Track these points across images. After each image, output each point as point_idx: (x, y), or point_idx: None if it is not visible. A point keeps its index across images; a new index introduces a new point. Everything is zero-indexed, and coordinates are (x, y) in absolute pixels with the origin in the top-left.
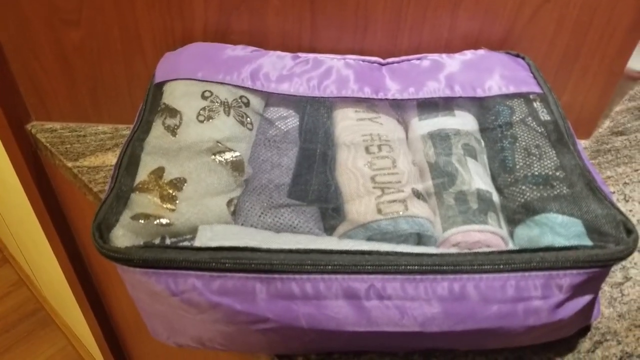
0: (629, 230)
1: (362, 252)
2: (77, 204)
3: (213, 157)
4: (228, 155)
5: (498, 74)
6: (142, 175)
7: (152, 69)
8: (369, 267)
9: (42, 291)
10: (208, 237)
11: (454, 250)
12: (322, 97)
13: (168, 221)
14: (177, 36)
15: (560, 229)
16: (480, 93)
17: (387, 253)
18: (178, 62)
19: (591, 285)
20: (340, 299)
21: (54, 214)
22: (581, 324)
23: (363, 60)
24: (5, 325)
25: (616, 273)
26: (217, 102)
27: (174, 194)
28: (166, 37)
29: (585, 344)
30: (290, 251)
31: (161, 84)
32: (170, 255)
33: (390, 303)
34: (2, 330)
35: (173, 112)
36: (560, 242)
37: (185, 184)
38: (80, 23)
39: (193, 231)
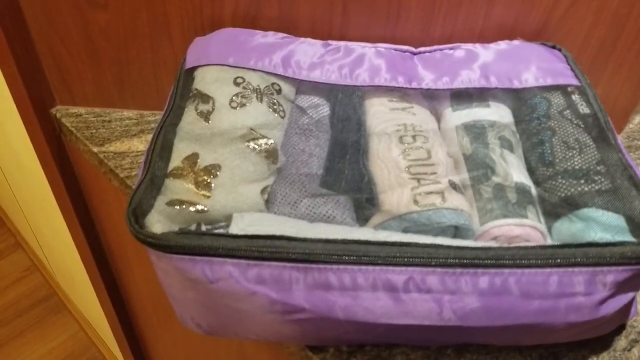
0: None
1: (401, 244)
2: (101, 189)
3: (247, 144)
4: (262, 142)
5: (535, 66)
6: (176, 161)
7: (179, 54)
8: (408, 259)
9: (55, 277)
10: (244, 224)
11: (492, 244)
12: (354, 86)
13: (203, 207)
14: (205, 21)
15: (601, 225)
16: (516, 84)
17: (426, 245)
18: (209, 48)
19: (634, 283)
20: (378, 291)
21: (75, 199)
22: (619, 322)
23: (395, 49)
24: (17, 311)
25: None
26: (250, 89)
27: (208, 180)
28: (194, 22)
29: (621, 342)
30: (328, 241)
31: (192, 70)
32: (207, 241)
33: (429, 296)
34: (15, 315)
35: (205, 98)
36: (602, 237)
37: (220, 171)
38: (108, 5)
39: (227, 219)
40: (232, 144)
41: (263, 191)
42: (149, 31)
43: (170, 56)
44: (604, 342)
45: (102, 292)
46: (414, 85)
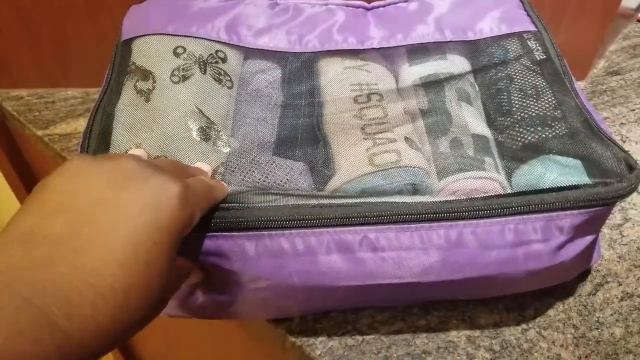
0: (631, 167)
1: (353, 204)
2: None
3: (192, 131)
4: (208, 128)
5: (490, 14)
6: (117, 148)
7: (120, 25)
8: (361, 218)
9: None
10: None
11: (449, 198)
12: (304, 52)
13: None
14: None
15: (559, 170)
16: (471, 36)
17: (378, 203)
18: (146, 16)
19: (593, 226)
20: (332, 253)
21: (29, 186)
22: (582, 267)
23: (347, 5)
24: None
25: (615, 215)
26: (192, 60)
27: None
28: None
29: (587, 287)
30: (278, 207)
31: (129, 41)
32: None
33: (385, 254)
34: None
35: (145, 74)
36: (559, 182)
37: None
38: None
39: None
40: (177, 132)
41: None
42: (85, 3)
43: (111, 29)
44: (570, 288)
45: None
46: (367, 45)
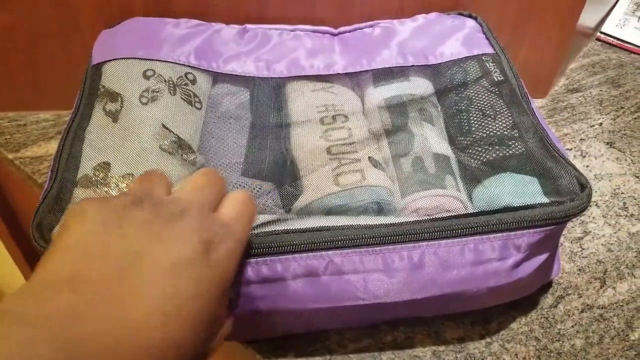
0: (583, 185)
1: (320, 228)
2: (25, 197)
3: (160, 148)
4: (176, 143)
5: (450, 39)
6: (86, 169)
7: (91, 49)
8: (326, 243)
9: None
10: None
11: (414, 216)
12: (272, 78)
13: None
14: (115, 12)
15: (516, 188)
16: (432, 60)
17: (345, 227)
18: (116, 40)
19: (548, 243)
20: (298, 279)
21: (3, 210)
22: (542, 281)
23: (314, 31)
24: None
25: (575, 228)
26: (161, 81)
27: (122, 189)
28: (104, 14)
29: (548, 299)
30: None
31: (99, 65)
32: None
33: (350, 277)
34: None
35: (113, 96)
36: (517, 201)
37: (134, 180)
38: (9, 7)
39: None
40: (144, 150)
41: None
42: (57, 28)
43: (82, 52)
44: (532, 301)
45: None
46: (333, 71)
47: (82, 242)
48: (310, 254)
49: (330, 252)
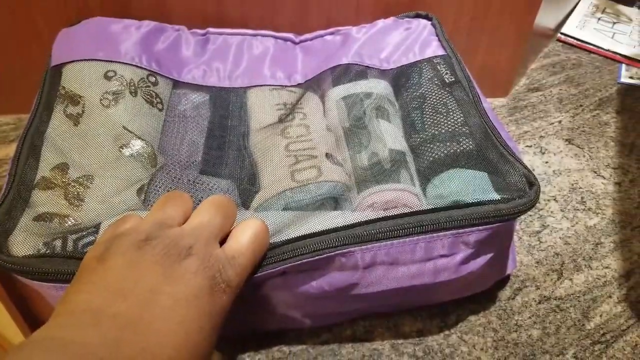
0: (531, 183)
1: (276, 245)
2: None
3: (121, 150)
4: (137, 146)
5: (404, 44)
6: (44, 170)
7: (50, 51)
8: (278, 257)
9: None
10: None
11: (369, 210)
12: (233, 88)
13: (74, 222)
14: (71, 12)
15: (467, 184)
16: (385, 66)
17: (298, 238)
18: (76, 41)
19: (498, 238)
20: (257, 291)
21: None
22: (496, 277)
23: (276, 37)
24: None
25: (534, 222)
26: (123, 83)
27: (81, 192)
28: (60, 15)
29: (506, 292)
30: None
31: (59, 66)
32: (73, 267)
33: (306, 275)
34: None
35: (74, 99)
36: (467, 197)
37: (92, 182)
38: None
39: (97, 225)
40: (104, 152)
41: (139, 191)
42: (14, 31)
43: (41, 54)
44: (490, 294)
45: (15, 314)
46: (293, 81)
47: (106, 279)
48: (266, 267)
49: (284, 263)
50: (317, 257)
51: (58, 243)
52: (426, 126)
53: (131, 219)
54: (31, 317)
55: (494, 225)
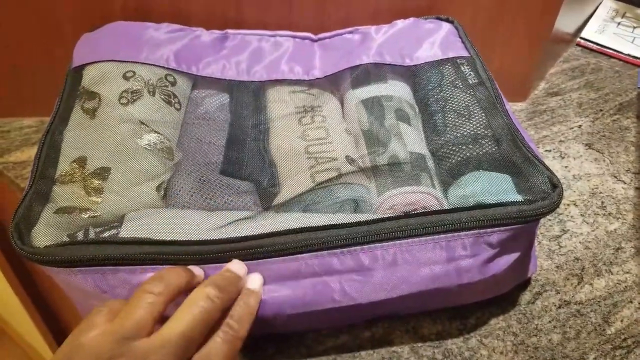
0: (554, 185)
1: (293, 231)
2: (8, 203)
3: (138, 142)
4: (154, 139)
5: (426, 42)
6: (64, 165)
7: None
8: (299, 247)
9: None
10: (136, 226)
11: (389, 214)
12: (251, 82)
13: (94, 214)
14: (96, 17)
15: (490, 186)
16: (408, 62)
17: (318, 228)
18: (97, 43)
19: (521, 240)
20: (272, 283)
21: None
22: (517, 280)
23: (294, 36)
24: None
25: (553, 227)
26: (141, 82)
27: (99, 184)
28: (85, 19)
29: (526, 296)
30: (220, 241)
31: (80, 68)
32: (94, 252)
33: (326, 279)
34: None
35: (92, 95)
36: (491, 198)
37: (110, 174)
38: None
39: (120, 218)
40: (122, 144)
41: (159, 188)
42: (40, 36)
43: (65, 59)
44: (510, 297)
45: (33, 311)
46: (312, 76)
47: None
48: (286, 257)
49: (305, 255)
50: (336, 250)
51: (80, 234)
52: (448, 129)
53: (98, 321)
54: (45, 309)
55: (517, 226)
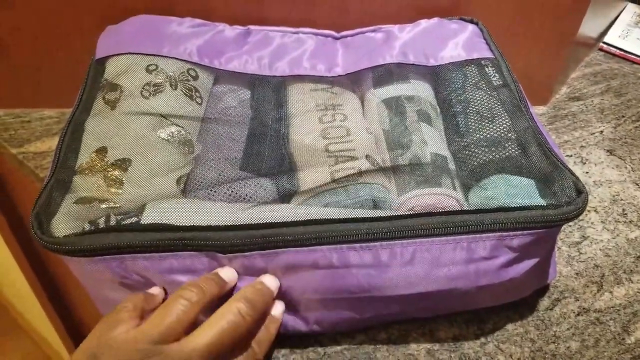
0: (579, 191)
1: (313, 222)
2: (27, 193)
3: (159, 134)
4: (174, 132)
5: (451, 42)
6: (84, 156)
7: (94, 48)
8: (319, 239)
9: (5, 294)
10: (158, 213)
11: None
12: (273, 77)
13: (114, 205)
14: (118, 10)
15: (513, 189)
16: (432, 62)
17: (338, 220)
18: (121, 36)
19: (542, 245)
20: (289, 274)
21: (3, 206)
22: (537, 285)
23: (317, 34)
24: None
25: (574, 233)
26: (163, 76)
27: (119, 175)
28: (106, 13)
29: (544, 302)
30: (240, 227)
31: (103, 60)
32: (113, 239)
33: (343, 272)
34: None
35: (114, 87)
36: (513, 202)
37: (130, 165)
38: (16, 5)
39: (141, 208)
40: (142, 136)
41: (179, 181)
42: (62, 27)
43: (86, 51)
44: (528, 303)
45: (45, 302)
46: (334, 73)
47: None
48: (305, 248)
49: (324, 247)
50: (355, 244)
51: (101, 221)
52: (471, 130)
53: (123, 317)
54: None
55: (539, 230)
